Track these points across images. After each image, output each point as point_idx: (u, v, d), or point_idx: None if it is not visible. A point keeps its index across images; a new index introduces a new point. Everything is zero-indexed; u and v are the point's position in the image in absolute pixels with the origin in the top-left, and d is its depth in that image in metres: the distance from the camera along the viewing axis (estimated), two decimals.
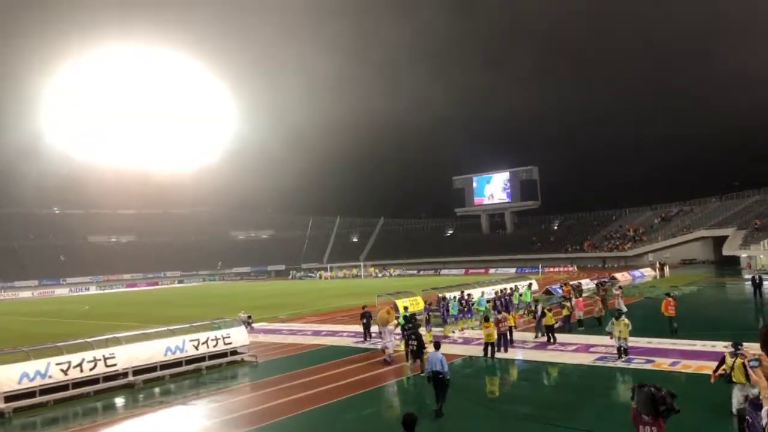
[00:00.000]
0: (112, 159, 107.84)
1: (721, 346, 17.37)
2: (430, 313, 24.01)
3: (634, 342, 18.07)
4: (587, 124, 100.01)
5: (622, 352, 16.88)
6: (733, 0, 79.96)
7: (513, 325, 20.87)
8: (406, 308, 23.99)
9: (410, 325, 18.16)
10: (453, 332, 23.46)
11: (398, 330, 19.56)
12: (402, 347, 18.93)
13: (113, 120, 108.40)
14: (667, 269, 53.64)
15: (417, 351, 16.46)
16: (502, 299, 27.56)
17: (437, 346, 13.71)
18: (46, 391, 15.33)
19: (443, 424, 12.09)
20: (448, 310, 24.40)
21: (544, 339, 20.49)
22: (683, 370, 15.10)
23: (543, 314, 20.83)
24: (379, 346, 20.16)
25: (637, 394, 7.03)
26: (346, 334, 24.91)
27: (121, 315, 41.20)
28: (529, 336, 21.57)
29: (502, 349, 18.95)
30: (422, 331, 19.03)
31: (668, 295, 21.88)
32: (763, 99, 79.47)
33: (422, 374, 14.68)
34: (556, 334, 20.54)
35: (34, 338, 25.65)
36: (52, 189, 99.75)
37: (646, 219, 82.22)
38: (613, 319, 17.30)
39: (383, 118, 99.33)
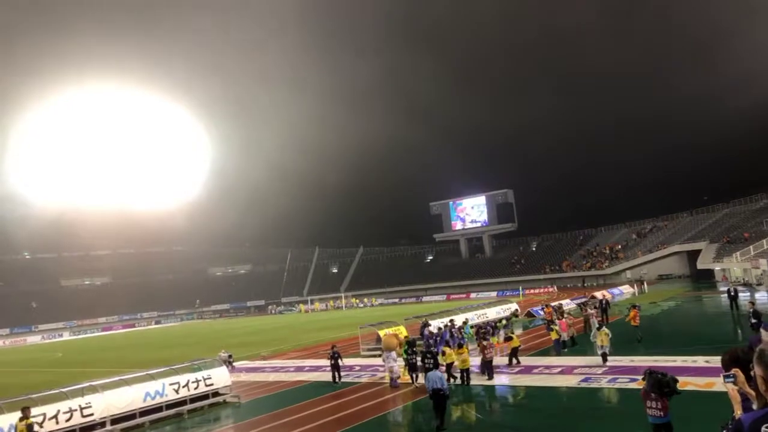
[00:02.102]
0: (85, 201, 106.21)
1: (702, 361, 17.63)
2: (431, 340, 24.00)
3: (618, 361, 18.30)
4: (559, 146, 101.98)
5: (605, 358, 18.54)
6: (695, 21, 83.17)
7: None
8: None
9: (413, 349, 19.32)
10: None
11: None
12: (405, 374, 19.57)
13: (85, 161, 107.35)
14: (645, 285, 54.28)
15: (433, 369, 16.60)
16: (487, 327, 27.48)
17: (435, 365, 15.61)
18: None
19: None
20: (437, 341, 24.39)
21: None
22: None
23: (509, 338, 21.07)
24: (363, 379, 19.92)
25: (648, 378, 8.88)
26: (329, 369, 24.50)
27: (96, 361, 40.01)
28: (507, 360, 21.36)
29: (486, 375, 18.83)
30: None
31: (634, 306, 24.56)
32: (727, 115, 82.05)
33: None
34: (539, 358, 20.55)
35: (6, 390, 24.68)
36: (22, 234, 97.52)
37: (622, 236, 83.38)
38: (595, 329, 19.78)
39: (358, 149, 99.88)
